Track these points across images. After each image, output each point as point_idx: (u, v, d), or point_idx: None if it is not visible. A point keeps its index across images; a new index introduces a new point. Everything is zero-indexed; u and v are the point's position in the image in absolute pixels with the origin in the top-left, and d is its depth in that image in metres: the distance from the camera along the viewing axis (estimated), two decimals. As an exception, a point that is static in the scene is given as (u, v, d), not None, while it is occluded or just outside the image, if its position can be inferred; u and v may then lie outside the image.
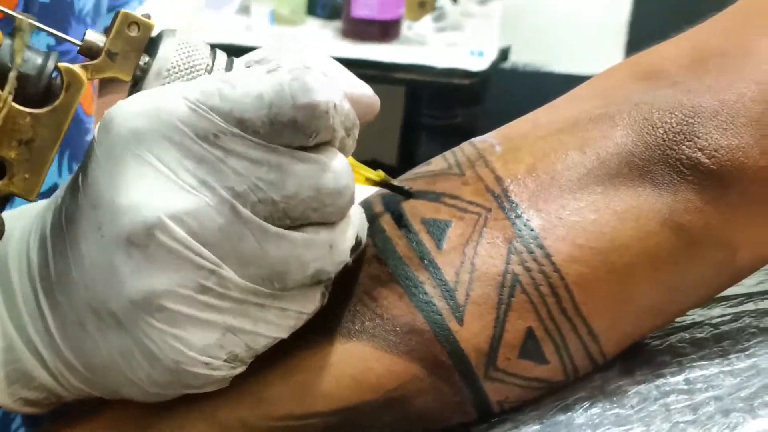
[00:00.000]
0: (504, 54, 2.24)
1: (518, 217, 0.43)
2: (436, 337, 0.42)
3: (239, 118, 0.38)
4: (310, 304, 0.41)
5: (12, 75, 0.38)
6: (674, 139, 0.43)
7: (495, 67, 2.04)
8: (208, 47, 0.42)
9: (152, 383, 0.40)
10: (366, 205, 0.47)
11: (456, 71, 1.98)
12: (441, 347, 0.42)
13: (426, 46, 2.04)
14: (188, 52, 0.41)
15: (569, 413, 0.42)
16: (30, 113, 0.39)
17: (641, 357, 0.44)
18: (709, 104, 0.43)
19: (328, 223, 0.40)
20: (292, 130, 0.38)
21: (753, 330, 0.45)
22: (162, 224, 0.38)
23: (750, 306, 0.48)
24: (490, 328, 0.42)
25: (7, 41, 0.38)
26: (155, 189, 0.38)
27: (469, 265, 0.43)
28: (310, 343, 0.43)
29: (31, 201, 0.40)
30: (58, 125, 0.39)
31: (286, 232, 0.39)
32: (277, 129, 0.38)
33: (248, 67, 0.42)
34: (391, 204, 0.46)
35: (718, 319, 0.47)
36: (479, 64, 1.98)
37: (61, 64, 0.39)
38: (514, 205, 0.43)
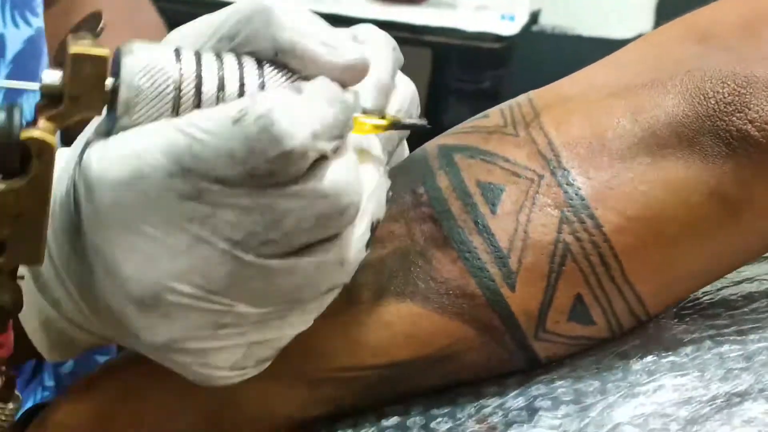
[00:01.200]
0: (534, 17, 2.23)
1: (569, 184, 0.44)
2: (488, 302, 0.43)
3: (216, 176, 0.37)
4: (329, 300, 0.41)
5: None
6: (725, 110, 0.43)
7: (525, 30, 2.03)
8: (170, 51, 0.39)
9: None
10: (422, 156, 0.47)
11: (486, 35, 1.97)
12: (493, 312, 0.43)
13: (456, 9, 2.03)
14: (150, 74, 0.38)
15: (625, 360, 0.44)
16: (11, 189, 0.37)
17: (694, 309, 0.46)
18: (762, 74, 0.43)
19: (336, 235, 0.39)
20: (273, 178, 0.37)
21: (803, 285, 0.47)
22: (167, 287, 0.38)
23: (798, 263, 0.49)
24: (541, 294, 0.43)
25: None
26: (152, 256, 0.38)
27: (522, 232, 0.43)
28: (364, 301, 0.44)
29: (39, 266, 0.39)
30: (41, 196, 0.38)
31: (294, 263, 0.38)
32: (257, 180, 0.37)
33: (219, 44, 0.40)
34: (448, 161, 0.46)
35: (769, 275, 0.48)
36: (510, 28, 1.97)
37: (24, 134, 0.37)
38: (566, 172, 0.44)
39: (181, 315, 0.38)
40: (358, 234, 0.40)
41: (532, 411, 0.43)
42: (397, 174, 0.45)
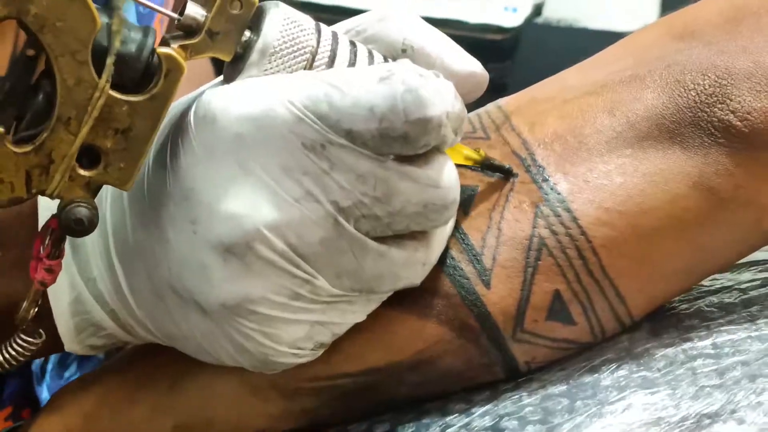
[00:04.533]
0: (538, 9, 2.21)
1: (545, 180, 0.43)
2: (463, 301, 0.42)
3: (348, 129, 0.37)
4: (391, 292, 0.42)
5: (109, 61, 0.36)
6: (706, 101, 0.43)
7: (528, 22, 2.02)
8: (312, 22, 0.39)
9: (235, 364, 0.41)
10: None
11: (489, 26, 1.95)
12: (468, 311, 0.42)
13: (459, 0, 2.02)
14: (293, 31, 0.39)
15: (596, 374, 0.43)
16: (127, 101, 0.37)
17: (669, 320, 0.45)
18: (742, 66, 0.43)
19: (427, 232, 0.40)
20: (403, 143, 0.37)
21: (782, 295, 0.45)
22: (262, 237, 0.37)
23: (780, 271, 0.48)
24: (517, 291, 0.42)
25: (104, 19, 0.36)
26: (258, 199, 0.37)
27: (495, 229, 0.43)
28: None
29: (126, 191, 0.39)
30: (156, 114, 0.37)
31: (386, 249, 0.39)
32: (387, 142, 0.37)
33: (348, 36, 0.41)
34: None
35: (747, 284, 0.47)
36: (513, 19, 1.96)
37: (160, 50, 0.37)
38: (541, 169, 0.43)
39: (263, 272, 0.38)
40: (443, 241, 0.41)
41: (497, 431, 0.41)
42: None
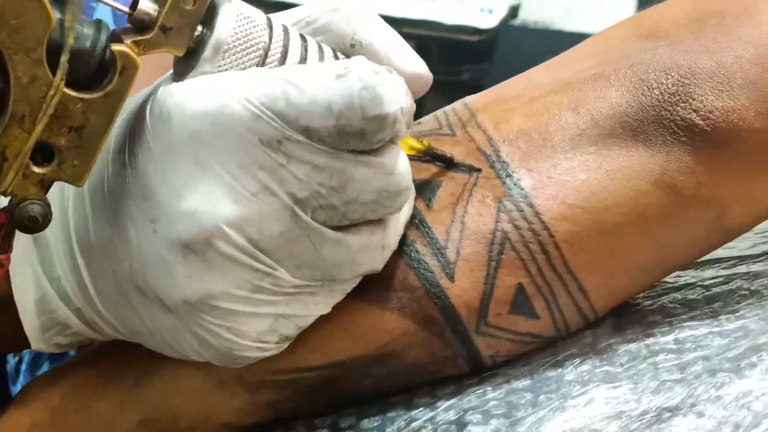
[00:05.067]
0: (514, 11, 2.22)
1: (509, 176, 0.43)
2: (427, 293, 0.42)
3: (305, 126, 0.37)
4: (356, 282, 0.42)
5: (64, 59, 0.35)
6: (669, 100, 0.43)
7: (504, 24, 2.03)
8: (263, 16, 0.40)
9: (200, 359, 0.41)
10: None
11: (465, 28, 1.97)
12: (432, 303, 0.42)
13: (435, 1, 2.03)
14: (246, 27, 0.39)
15: (560, 369, 0.43)
16: (82, 99, 0.36)
17: (633, 316, 0.45)
18: (705, 65, 0.43)
19: (382, 220, 0.40)
20: (359, 139, 0.38)
21: (744, 292, 0.46)
22: (221, 232, 0.37)
23: (742, 269, 0.48)
24: (481, 284, 0.42)
25: (57, 14, 0.35)
26: (216, 195, 0.37)
27: (459, 223, 0.43)
28: None
29: (79, 187, 0.38)
30: (110, 111, 0.37)
31: (343, 236, 0.39)
32: (344, 138, 0.37)
33: (299, 27, 0.41)
34: None
35: (710, 281, 0.47)
36: (488, 20, 1.97)
37: (115, 47, 0.36)
38: (505, 165, 0.44)
39: (224, 267, 0.38)
40: (399, 226, 0.41)
41: (461, 425, 0.42)
42: None
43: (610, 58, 0.46)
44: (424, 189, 0.44)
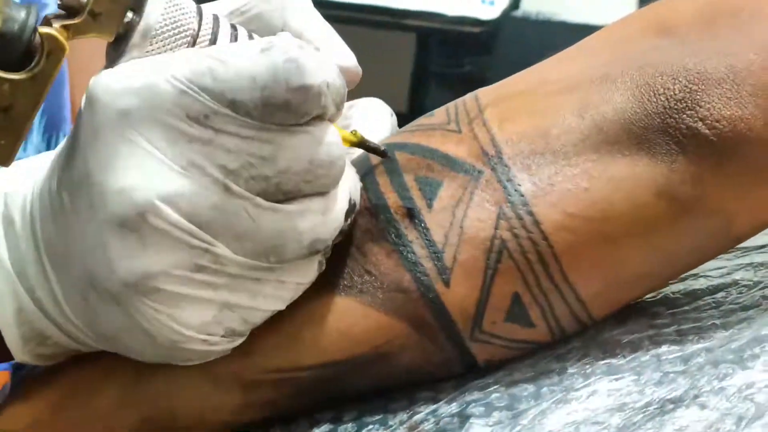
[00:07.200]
0: (515, 2, 2.22)
1: (509, 181, 0.43)
2: (422, 297, 0.42)
3: (231, 99, 0.38)
4: (308, 274, 0.41)
5: None
6: (675, 107, 0.42)
7: (506, 15, 2.02)
8: (193, 5, 0.40)
9: (153, 356, 0.41)
10: (365, 155, 0.46)
11: (466, 19, 1.96)
12: (427, 308, 0.42)
13: (437, -7, 2.02)
14: (175, 13, 0.39)
15: (562, 362, 0.43)
16: (9, 80, 0.37)
17: (635, 308, 0.45)
18: (714, 70, 0.42)
19: (321, 193, 0.40)
20: (285, 111, 0.38)
21: (748, 283, 0.46)
22: (154, 207, 0.38)
23: (745, 260, 0.48)
24: (477, 291, 0.42)
25: None
26: (146, 171, 0.38)
27: (458, 227, 0.42)
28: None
29: (5, 167, 0.39)
30: (38, 93, 0.38)
31: (279, 205, 0.39)
32: (270, 110, 0.38)
33: (232, 15, 0.42)
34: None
35: (714, 271, 0.47)
36: (490, 12, 1.97)
37: (41, 30, 0.37)
38: (506, 168, 0.43)
39: (160, 244, 0.38)
40: (339, 201, 0.41)
41: (463, 418, 0.41)
42: None
43: (619, 56, 0.45)
44: (425, 187, 0.44)
